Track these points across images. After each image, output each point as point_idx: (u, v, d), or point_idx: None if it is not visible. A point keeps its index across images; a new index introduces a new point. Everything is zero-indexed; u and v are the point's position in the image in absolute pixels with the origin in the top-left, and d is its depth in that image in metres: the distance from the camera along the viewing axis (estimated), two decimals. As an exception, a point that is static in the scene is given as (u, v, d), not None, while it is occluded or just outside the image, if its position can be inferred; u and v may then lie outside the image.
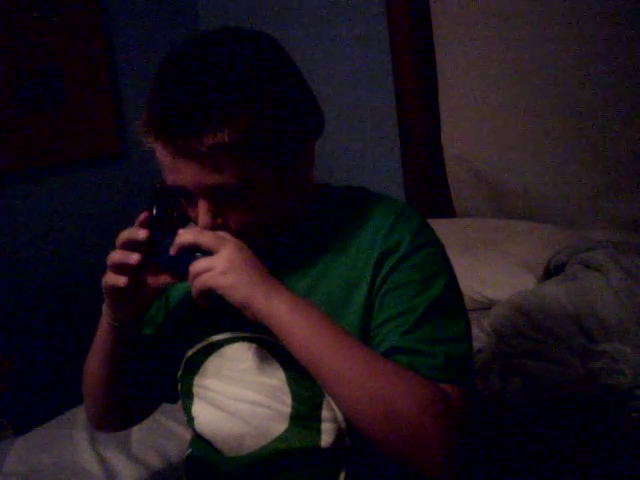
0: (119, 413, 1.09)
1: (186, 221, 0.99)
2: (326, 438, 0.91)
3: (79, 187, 2.34)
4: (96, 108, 2.34)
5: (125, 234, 0.89)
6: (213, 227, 0.87)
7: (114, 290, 0.90)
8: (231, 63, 0.84)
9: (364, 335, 0.89)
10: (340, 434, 0.91)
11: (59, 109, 2.25)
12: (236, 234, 0.87)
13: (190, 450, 1.06)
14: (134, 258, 0.87)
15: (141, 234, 0.87)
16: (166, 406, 1.20)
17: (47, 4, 2.20)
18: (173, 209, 0.91)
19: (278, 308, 0.83)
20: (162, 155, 0.85)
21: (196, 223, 0.89)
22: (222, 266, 0.83)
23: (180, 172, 0.85)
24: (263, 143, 0.84)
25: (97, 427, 1.15)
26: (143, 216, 0.90)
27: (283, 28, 2.41)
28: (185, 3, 2.65)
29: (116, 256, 0.88)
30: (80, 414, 1.57)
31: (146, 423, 1.50)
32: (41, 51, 2.20)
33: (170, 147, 0.83)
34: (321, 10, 2.37)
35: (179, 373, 1.03)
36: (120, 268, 0.88)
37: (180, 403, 1.06)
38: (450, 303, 0.90)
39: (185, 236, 0.86)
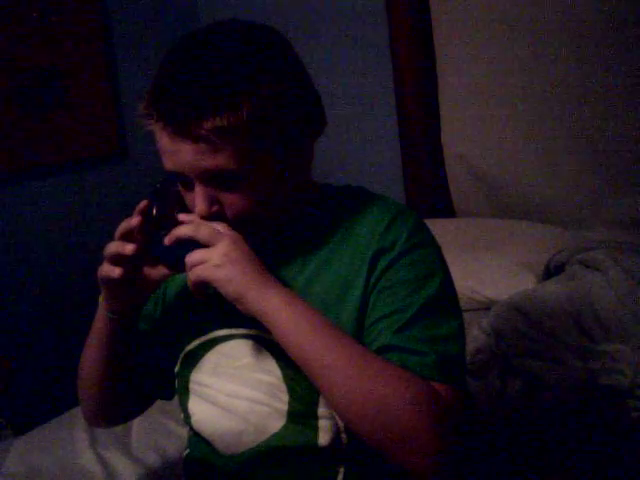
0: (113, 408, 1.09)
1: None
2: (324, 436, 0.91)
3: (79, 187, 2.34)
4: (96, 108, 2.34)
5: (122, 225, 0.89)
6: (209, 215, 0.88)
7: (109, 281, 0.90)
8: (236, 51, 0.85)
9: (359, 332, 0.89)
10: (337, 431, 0.91)
11: (59, 109, 2.25)
12: (232, 224, 0.88)
13: (188, 450, 1.06)
14: (129, 248, 0.88)
15: (134, 221, 0.88)
16: (166, 405, 1.20)
17: (47, 4, 2.20)
18: (173, 209, 0.91)
19: (270, 303, 0.84)
20: (162, 138, 0.86)
21: (192, 210, 0.89)
22: (217, 259, 0.84)
23: (178, 154, 0.85)
24: (263, 131, 0.85)
25: (91, 422, 1.15)
26: (142, 204, 0.90)
27: (283, 28, 2.40)
28: (185, 3, 2.65)
29: (112, 247, 0.89)
30: (80, 414, 1.57)
31: (146, 423, 1.51)
32: (41, 51, 2.20)
33: (169, 128, 0.84)
34: (321, 10, 2.37)
35: (176, 369, 1.03)
36: (116, 259, 0.89)
37: (179, 402, 1.06)
38: (444, 303, 0.90)
39: (183, 229, 0.86)
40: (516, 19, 1.96)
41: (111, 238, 0.90)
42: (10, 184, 2.17)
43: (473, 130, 2.11)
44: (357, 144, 2.36)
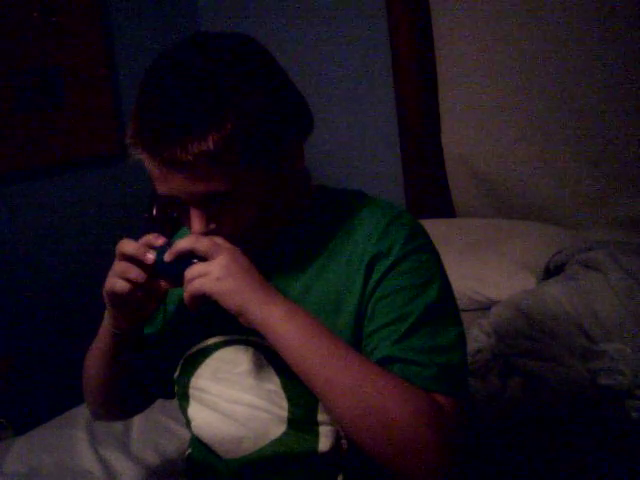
0: (116, 406, 1.12)
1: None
2: (324, 442, 0.91)
3: (79, 187, 2.34)
4: (96, 108, 2.34)
5: (132, 250, 0.88)
6: (206, 233, 0.87)
7: (115, 297, 0.89)
8: (212, 71, 0.83)
9: (356, 340, 0.89)
10: (338, 437, 0.91)
11: (59, 109, 2.25)
12: (230, 239, 0.87)
13: (190, 450, 1.06)
14: (138, 273, 0.87)
15: (150, 258, 0.87)
16: (166, 405, 1.20)
17: (47, 4, 2.20)
18: (172, 209, 0.91)
19: (272, 315, 0.83)
20: (151, 166, 0.85)
21: (190, 230, 0.89)
22: (218, 272, 0.83)
23: (169, 182, 0.85)
24: (249, 148, 0.84)
25: (95, 417, 1.18)
26: (160, 241, 0.89)
27: (283, 28, 2.41)
28: (185, 3, 2.65)
29: (122, 267, 0.88)
30: (80, 414, 1.57)
31: (146, 423, 1.51)
32: (41, 51, 2.20)
33: (157, 158, 0.83)
34: (321, 10, 2.36)
35: (175, 374, 1.03)
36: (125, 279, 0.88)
37: (179, 407, 1.06)
38: (443, 310, 0.89)
39: (182, 243, 0.86)
40: (516, 19, 1.96)
41: (110, 239, 0.90)
42: (10, 184, 2.17)
43: (473, 130, 2.11)
44: (357, 144, 2.36)
